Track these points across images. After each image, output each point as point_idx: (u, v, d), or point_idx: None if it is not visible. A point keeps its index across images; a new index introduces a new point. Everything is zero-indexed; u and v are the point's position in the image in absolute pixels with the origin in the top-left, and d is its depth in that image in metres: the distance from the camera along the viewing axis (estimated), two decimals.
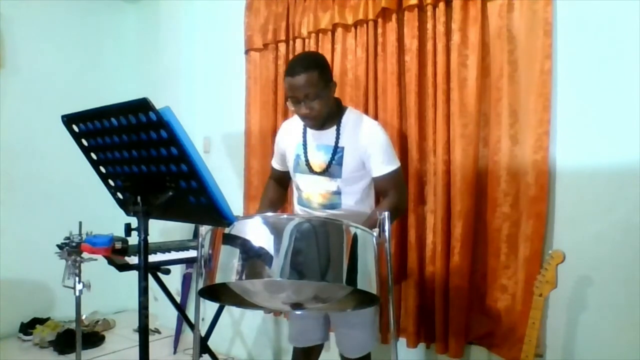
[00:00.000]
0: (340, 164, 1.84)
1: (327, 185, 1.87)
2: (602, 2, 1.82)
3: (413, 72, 2.23)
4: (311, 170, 1.88)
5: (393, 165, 1.85)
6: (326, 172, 1.86)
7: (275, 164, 2.13)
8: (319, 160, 1.87)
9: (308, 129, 1.90)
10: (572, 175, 1.90)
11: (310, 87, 1.72)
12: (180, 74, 3.47)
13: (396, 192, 1.87)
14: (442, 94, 2.14)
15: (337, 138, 1.85)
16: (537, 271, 1.82)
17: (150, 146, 1.08)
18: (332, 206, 1.88)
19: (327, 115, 1.83)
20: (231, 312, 3.16)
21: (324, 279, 1.43)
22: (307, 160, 1.89)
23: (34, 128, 3.56)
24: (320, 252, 1.44)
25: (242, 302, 1.68)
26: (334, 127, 1.86)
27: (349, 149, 1.83)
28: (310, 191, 1.91)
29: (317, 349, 2.08)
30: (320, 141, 1.88)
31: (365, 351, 1.94)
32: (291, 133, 1.97)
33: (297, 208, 1.99)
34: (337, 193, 1.87)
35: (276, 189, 2.17)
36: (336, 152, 1.84)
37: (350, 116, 1.89)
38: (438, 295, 2.17)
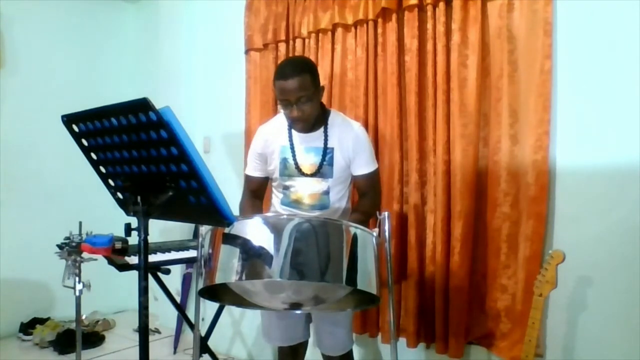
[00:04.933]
0: (331, 164, 1.86)
1: (317, 186, 1.88)
2: (602, 2, 1.82)
3: (413, 72, 2.23)
4: (301, 173, 1.88)
5: (373, 166, 1.93)
6: (317, 173, 1.87)
7: (254, 172, 2.00)
8: (309, 162, 1.87)
9: (294, 132, 1.89)
10: (572, 175, 1.90)
11: (303, 90, 1.73)
12: (180, 74, 3.46)
13: (374, 192, 1.96)
14: (442, 94, 2.14)
15: (326, 139, 1.86)
16: (537, 271, 1.82)
17: (150, 146, 1.08)
18: (322, 206, 1.89)
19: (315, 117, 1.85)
20: (231, 312, 3.16)
21: (323, 279, 1.43)
22: (296, 164, 1.88)
23: (34, 128, 3.56)
24: (320, 252, 1.44)
25: (242, 302, 1.68)
26: (321, 129, 1.87)
27: (338, 149, 1.86)
28: (300, 193, 1.91)
29: (303, 346, 2.09)
30: (308, 143, 1.88)
31: (348, 348, 1.97)
32: (274, 136, 1.93)
33: (280, 209, 1.96)
34: (327, 193, 1.89)
35: (254, 205, 2.00)
36: (326, 153, 1.86)
37: (336, 117, 1.92)
38: (438, 295, 2.17)
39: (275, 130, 1.95)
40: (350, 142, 1.86)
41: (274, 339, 2.07)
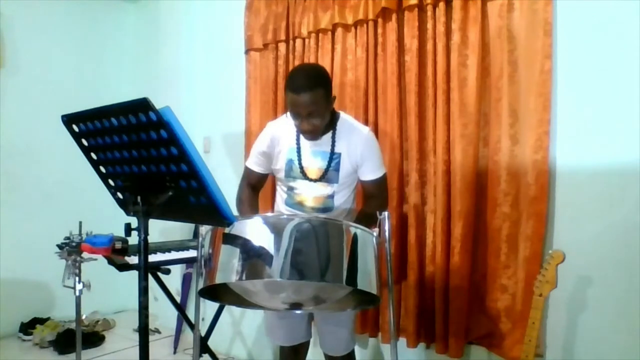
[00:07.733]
0: (337, 169, 1.85)
1: (322, 190, 1.87)
2: (602, 2, 1.82)
3: (413, 72, 2.23)
4: (305, 177, 1.87)
5: (381, 171, 1.91)
6: (323, 178, 1.85)
7: (256, 166, 1.98)
8: (315, 166, 1.86)
9: (302, 135, 1.88)
10: (572, 175, 1.90)
11: (315, 105, 1.70)
12: (180, 74, 3.46)
13: (381, 196, 1.94)
14: (442, 94, 2.14)
15: (333, 144, 1.85)
16: (537, 271, 1.82)
17: (150, 146, 1.08)
18: (325, 209, 1.89)
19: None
20: (231, 312, 3.16)
21: (323, 279, 1.43)
22: (301, 167, 1.86)
23: (34, 128, 3.56)
24: (320, 252, 1.44)
25: (242, 302, 1.68)
26: (329, 134, 1.85)
27: (345, 154, 1.84)
28: (305, 195, 1.90)
29: (305, 346, 2.09)
30: (316, 147, 1.86)
31: (350, 349, 1.97)
32: (283, 136, 1.90)
33: (283, 209, 1.95)
34: (331, 197, 1.88)
35: (252, 198, 2.01)
36: (332, 158, 1.84)
37: (344, 122, 1.89)
38: (438, 295, 2.17)
39: (283, 130, 1.91)
40: (358, 148, 1.84)
41: (276, 338, 2.08)
